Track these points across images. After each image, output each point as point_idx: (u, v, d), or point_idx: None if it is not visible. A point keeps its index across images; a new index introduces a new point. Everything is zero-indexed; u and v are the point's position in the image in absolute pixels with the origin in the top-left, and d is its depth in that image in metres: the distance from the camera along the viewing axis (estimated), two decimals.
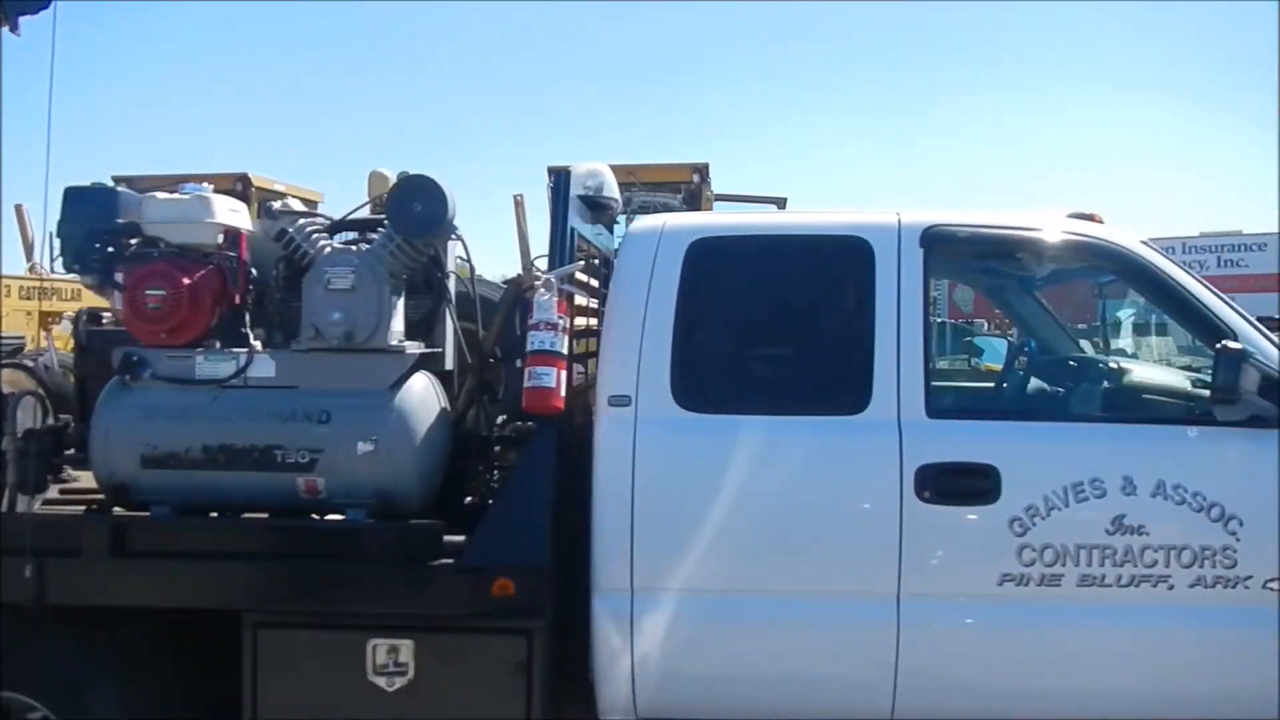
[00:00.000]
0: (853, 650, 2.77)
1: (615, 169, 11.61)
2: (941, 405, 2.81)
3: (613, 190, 3.42)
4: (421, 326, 3.13)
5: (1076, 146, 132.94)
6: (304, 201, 11.13)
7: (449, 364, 3.16)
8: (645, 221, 3.12)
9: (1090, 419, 2.86)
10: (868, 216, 3.01)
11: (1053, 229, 3.00)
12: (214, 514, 2.96)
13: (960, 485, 2.72)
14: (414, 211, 2.86)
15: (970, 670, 2.77)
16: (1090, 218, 3.16)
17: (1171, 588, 2.69)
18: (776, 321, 3.04)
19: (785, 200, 10.91)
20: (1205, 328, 2.82)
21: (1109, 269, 3.05)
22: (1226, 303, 2.90)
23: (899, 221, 2.94)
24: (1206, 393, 2.73)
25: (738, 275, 3.03)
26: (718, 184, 10.57)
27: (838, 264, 2.96)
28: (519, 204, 9.92)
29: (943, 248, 2.93)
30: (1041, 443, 2.81)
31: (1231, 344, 2.60)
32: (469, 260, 3.21)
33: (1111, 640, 2.74)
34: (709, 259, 2.94)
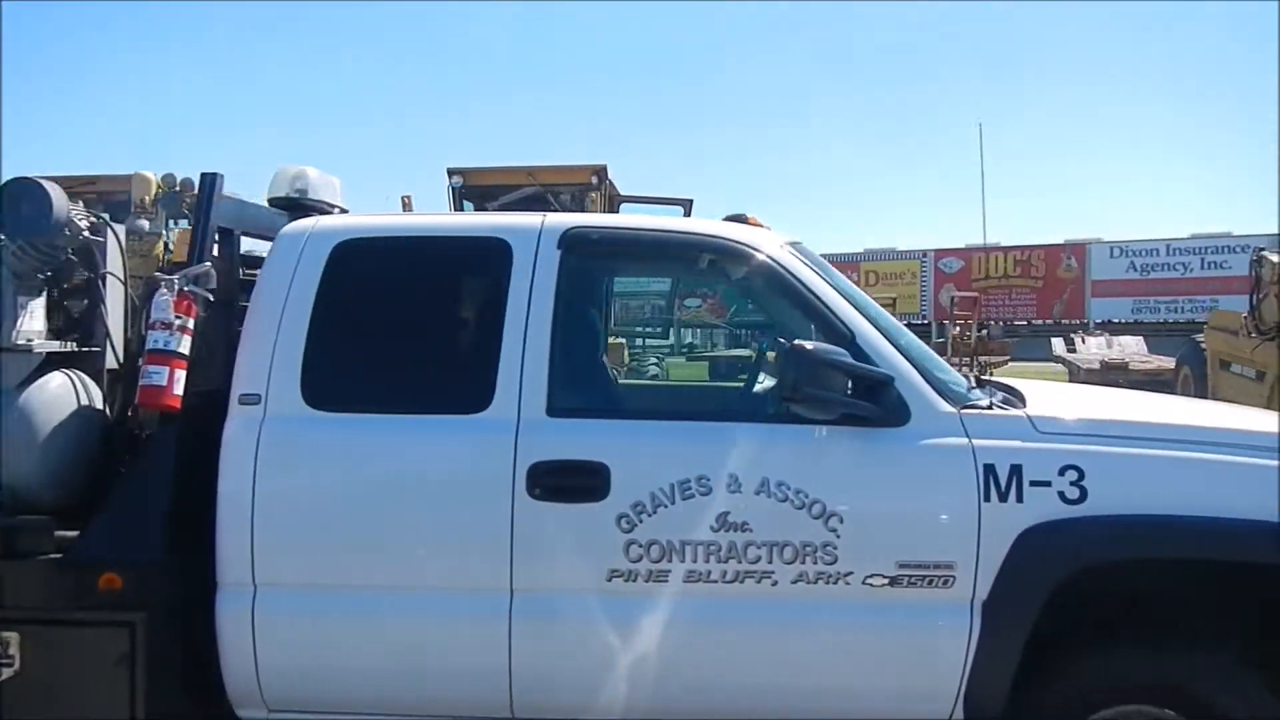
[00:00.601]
0: (468, 646, 2.82)
1: (515, 170, 11.78)
2: (563, 405, 2.85)
3: (320, 192, 3.46)
4: (81, 325, 3.18)
5: (1073, 144, 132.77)
6: None
7: (110, 362, 3.20)
8: (299, 223, 3.16)
9: (701, 417, 2.90)
10: (516, 219, 3.06)
11: (687, 231, 3.05)
12: None
13: (570, 483, 2.77)
14: (21, 213, 2.90)
15: (583, 666, 2.81)
16: (744, 219, 3.22)
17: (775, 583, 2.73)
18: (413, 322, 3.08)
19: (691, 202, 11.06)
20: (828, 330, 2.87)
21: (740, 270, 3.09)
22: (860, 307, 2.94)
23: (542, 224, 3.00)
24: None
25: (380, 277, 3.07)
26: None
27: (477, 265, 3.01)
28: (406, 205, 10.01)
29: (581, 249, 2.97)
30: (652, 441, 2.85)
31: (801, 344, 2.64)
32: (123, 255, 3.23)
33: (718, 635, 2.79)
34: (352, 260, 2.99)
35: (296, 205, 3.43)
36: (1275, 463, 2.72)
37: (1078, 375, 21.15)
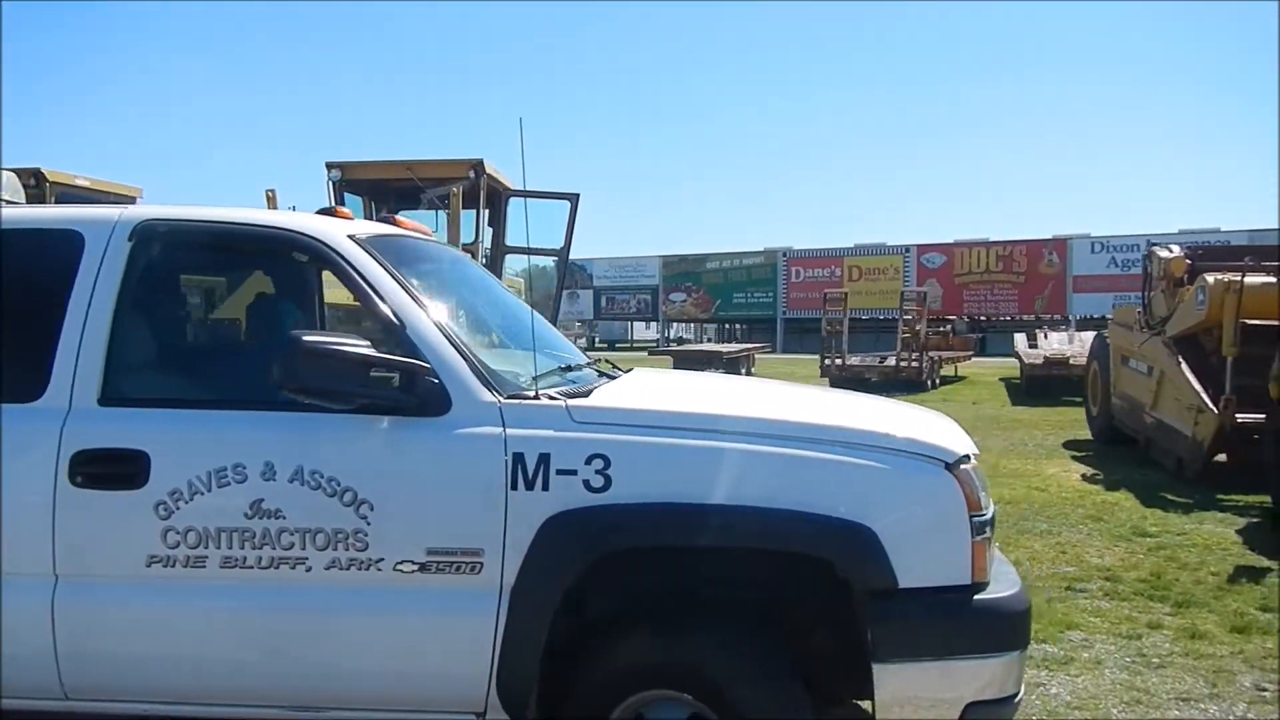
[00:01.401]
0: (16, 630, 2.85)
1: (393, 164, 11.83)
2: (117, 394, 2.89)
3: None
4: None
5: (1068, 141, 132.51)
6: (119, 197, 11.14)
7: None
8: None
9: (245, 406, 2.93)
10: (94, 212, 3.11)
11: (252, 223, 3.10)
12: None
13: (111, 471, 2.80)
14: None
15: (127, 650, 2.86)
16: (333, 212, 3.25)
17: (310, 569, 2.77)
18: None
19: (578, 196, 11.08)
20: (379, 319, 2.91)
21: (304, 260, 3.13)
22: (419, 301, 2.94)
23: (119, 216, 3.04)
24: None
25: None
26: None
27: (51, 255, 3.04)
28: (270, 199, 10.02)
29: (152, 241, 3.01)
30: (193, 430, 2.88)
31: (297, 334, 2.67)
32: None
33: (257, 620, 2.83)
34: None
35: None
36: (819, 455, 2.75)
37: (1024, 370, 21.20)
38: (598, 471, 2.72)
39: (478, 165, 10.33)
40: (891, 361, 23.18)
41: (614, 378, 3.46)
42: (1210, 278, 9.66)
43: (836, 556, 2.69)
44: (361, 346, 2.70)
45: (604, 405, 2.91)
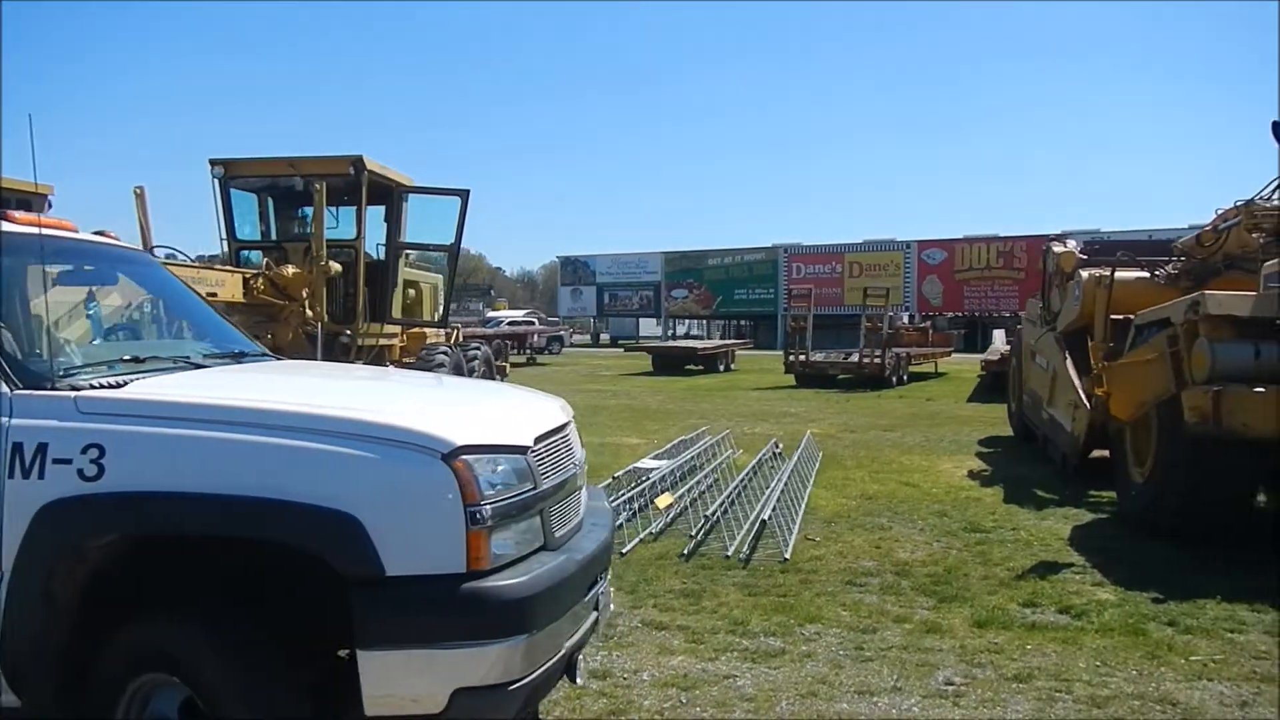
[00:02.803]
0: None
1: (276, 160, 11.96)
2: None
3: None
4: None
5: (1073, 137, 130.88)
6: (32, 195, 11.26)
7: None
8: None
9: None
10: None
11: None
12: None
13: None
14: None
15: None
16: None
17: None
18: None
19: (468, 192, 11.17)
20: None
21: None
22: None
23: None
24: None
25: None
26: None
27: None
28: (139, 196, 10.14)
29: None
30: None
31: None
32: None
33: None
34: None
35: None
36: (308, 445, 2.79)
37: (983, 366, 21.04)
38: (92, 461, 2.77)
39: (357, 162, 10.43)
40: (855, 358, 23.05)
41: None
42: (1084, 273, 9.58)
43: (322, 545, 2.72)
44: None
45: (119, 397, 2.94)
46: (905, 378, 24.10)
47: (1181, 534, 6.83)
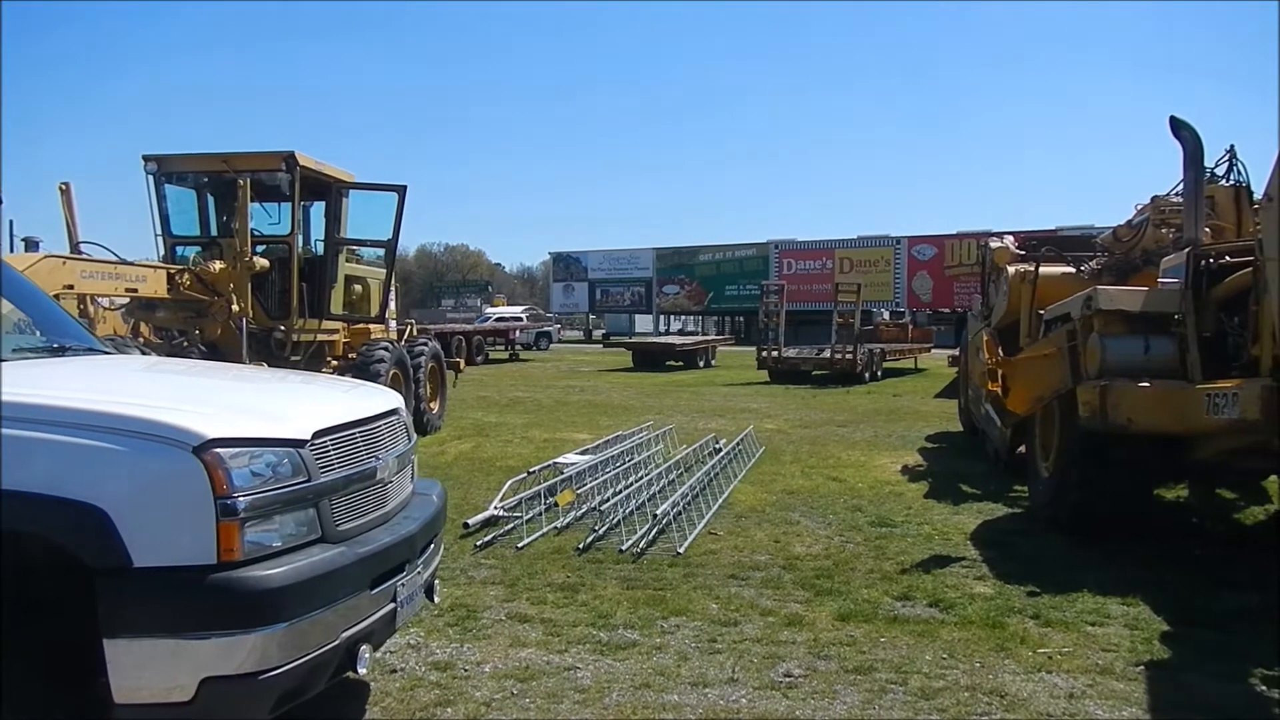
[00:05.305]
0: None
1: (210, 156, 12.00)
2: None
3: None
4: None
5: (1065, 134, 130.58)
6: None
7: None
8: None
9: None
10: None
11: None
12: None
13: None
14: None
15: None
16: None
17: None
18: None
19: (405, 188, 11.18)
20: None
21: None
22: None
23: None
24: None
25: None
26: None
27: None
28: (64, 192, 10.20)
29: None
30: None
31: None
32: None
33: None
34: None
35: None
36: (55, 437, 2.81)
37: (950, 361, 21.01)
38: None
39: (289, 158, 10.44)
40: (826, 354, 23.06)
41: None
42: (1011, 268, 9.57)
43: (65, 537, 2.75)
44: None
45: None
46: (879, 373, 24.09)
47: (1081, 528, 6.85)
